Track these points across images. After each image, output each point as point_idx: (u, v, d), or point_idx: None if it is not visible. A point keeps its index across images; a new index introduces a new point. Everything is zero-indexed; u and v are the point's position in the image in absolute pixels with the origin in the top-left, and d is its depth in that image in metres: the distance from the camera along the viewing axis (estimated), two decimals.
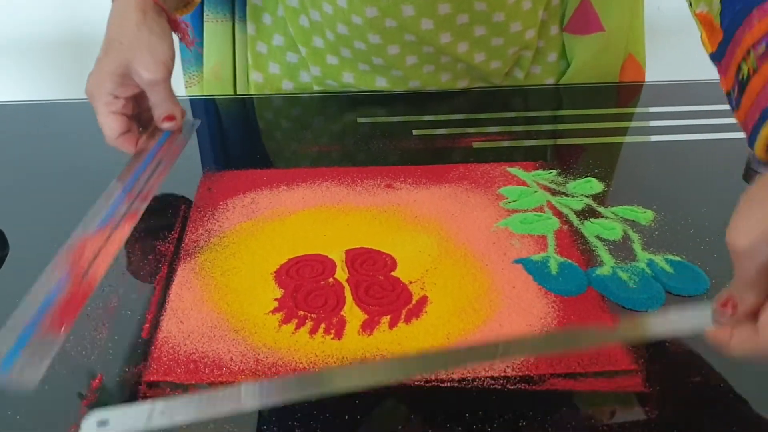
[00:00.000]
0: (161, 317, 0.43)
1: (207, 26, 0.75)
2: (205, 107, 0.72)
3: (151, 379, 0.39)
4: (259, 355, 0.40)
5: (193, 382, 0.38)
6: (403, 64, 0.70)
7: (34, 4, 1.28)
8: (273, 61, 0.74)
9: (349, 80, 0.72)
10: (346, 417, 0.36)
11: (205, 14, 0.75)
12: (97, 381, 0.38)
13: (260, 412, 0.37)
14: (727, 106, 0.67)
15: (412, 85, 0.72)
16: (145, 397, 0.37)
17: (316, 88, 0.74)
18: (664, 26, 1.20)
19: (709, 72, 0.73)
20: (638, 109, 0.68)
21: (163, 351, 0.40)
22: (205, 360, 0.40)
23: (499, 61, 0.72)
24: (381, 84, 0.72)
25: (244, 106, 0.72)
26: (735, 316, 0.34)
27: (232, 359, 0.40)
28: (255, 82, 0.75)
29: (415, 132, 0.65)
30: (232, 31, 0.75)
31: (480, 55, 0.70)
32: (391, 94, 0.73)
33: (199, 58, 0.77)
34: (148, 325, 0.42)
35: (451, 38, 0.68)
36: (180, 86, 0.79)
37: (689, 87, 0.73)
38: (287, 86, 0.75)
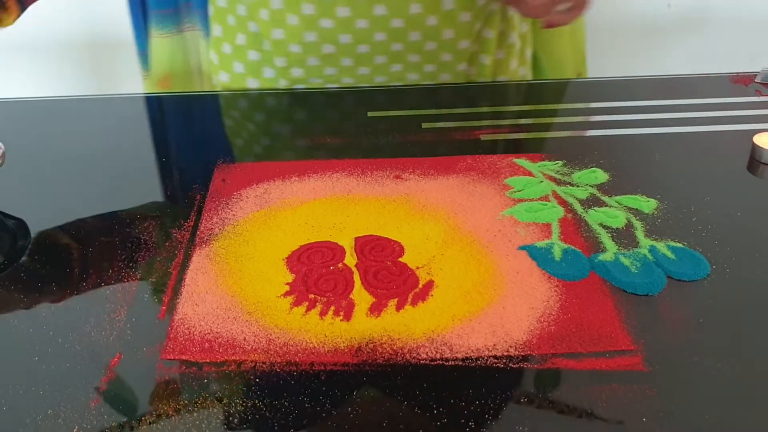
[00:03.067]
0: (177, 300, 0.44)
1: (154, 41, 0.81)
2: (219, 101, 0.74)
3: (168, 357, 0.40)
4: (271, 335, 0.41)
5: (208, 361, 0.40)
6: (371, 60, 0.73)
7: (50, 4, 1.30)
8: (237, 61, 0.77)
9: (315, 62, 0.74)
10: (355, 392, 0.38)
11: (150, 32, 0.81)
12: (116, 359, 0.40)
13: (262, 398, 0.38)
14: (731, 99, 0.68)
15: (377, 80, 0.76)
16: (162, 374, 0.39)
17: (282, 82, 0.76)
18: (674, 23, 1.20)
19: (718, 67, 0.74)
20: (644, 102, 0.69)
21: (179, 331, 0.42)
22: (219, 340, 0.41)
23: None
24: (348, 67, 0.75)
25: (258, 101, 0.74)
26: None
27: (245, 339, 0.41)
28: (221, 82, 0.79)
29: (424, 125, 0.66)
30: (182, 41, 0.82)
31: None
32: (400, 89, 0.75)
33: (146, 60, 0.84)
34: (164, 308, 0.44)
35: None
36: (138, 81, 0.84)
37: (693, 81, 0.74)
38: (252, 84, 0.78)
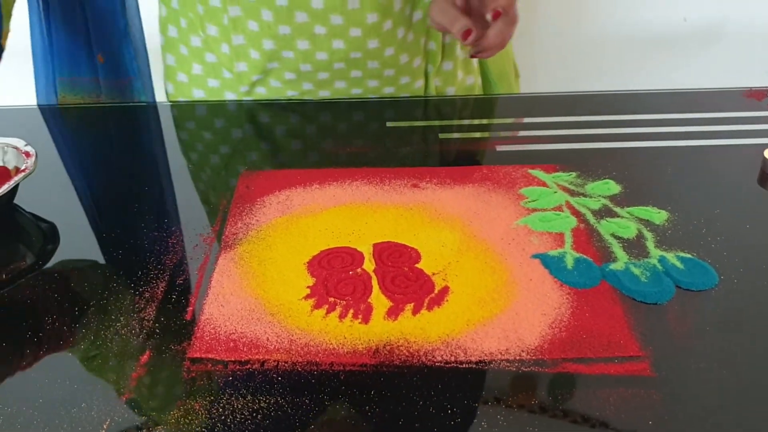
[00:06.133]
0: (203, 301, 0.46)
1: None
2: (245, 111, 0.76)
3: (195, 355, 0.42)
4: (293, 336, 0.43)
5: (232, 359, 0.42)
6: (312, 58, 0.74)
7: None
8: (197, 88, 0.79)
9: (277, 85, 0.76)
10: (373, 392, 0.39)
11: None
12: (145, 356, 0.42)
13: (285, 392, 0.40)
14: (743, 114, 0.70)
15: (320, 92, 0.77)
16: (189, 371, 0.41)
17: (246, 99, 0.78)
18: (690, 36, 1.22)
19: (732, 81, 0.75)
20: (657, 115, 0.71)
21: (205, 331, 0.44)
22: (244, 339, 0.43)
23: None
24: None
25: (280, 111, 0.76)
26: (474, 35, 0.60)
27: (268, 339, 0.43)
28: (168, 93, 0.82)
29: (441, 136, 0.68)
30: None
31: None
32: (417, 100, 0.77)
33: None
34: (191, 308, 0.46)
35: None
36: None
37: (707, 95, 0.75)
38: (198, 94, 0.80)
